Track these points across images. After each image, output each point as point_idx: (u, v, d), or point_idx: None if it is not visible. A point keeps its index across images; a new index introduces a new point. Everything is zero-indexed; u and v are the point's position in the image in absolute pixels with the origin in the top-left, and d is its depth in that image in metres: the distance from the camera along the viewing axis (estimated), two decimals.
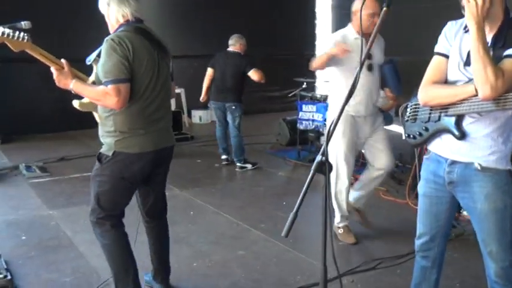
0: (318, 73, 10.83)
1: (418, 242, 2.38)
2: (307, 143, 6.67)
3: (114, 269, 2.83)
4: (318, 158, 1.77)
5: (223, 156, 6.45)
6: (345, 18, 4.14)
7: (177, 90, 8.19)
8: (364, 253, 3.76)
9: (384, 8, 1.82)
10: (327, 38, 3.97)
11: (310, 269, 3.45)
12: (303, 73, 6.77)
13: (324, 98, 6.22)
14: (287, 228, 1.71)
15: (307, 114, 6.31)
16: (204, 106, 8.28)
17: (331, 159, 3.63)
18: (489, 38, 2.01)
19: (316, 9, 11.23)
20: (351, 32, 3.82)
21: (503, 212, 2.07)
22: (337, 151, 3.81)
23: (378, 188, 5.26)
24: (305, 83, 6.72)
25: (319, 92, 7.87)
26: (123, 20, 2.64)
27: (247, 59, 6.13)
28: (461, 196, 2.17)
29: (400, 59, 6.16)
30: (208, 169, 6.36)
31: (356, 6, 3.78)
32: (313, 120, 6.28)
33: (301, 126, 6.47)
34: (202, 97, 6.42)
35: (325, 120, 6.17)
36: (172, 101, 4.81)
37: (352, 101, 3.44)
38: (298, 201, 1.74)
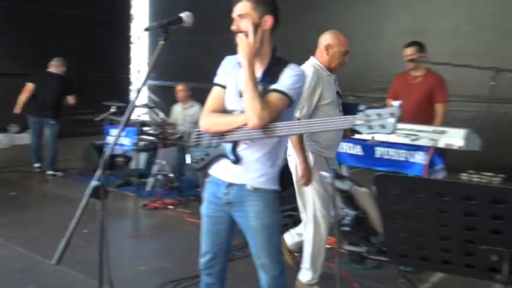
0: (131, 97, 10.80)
1: (202, 260, 2.50)
2: (116, 168, 6.53)
3: None
4: (93, 182, 1.77)
5: (36, 165, 7.07)
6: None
7: None
8: (163, 274, 3.80)
9: (161, 42, 1.93)
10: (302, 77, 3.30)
11: None
12: (118, 96, 6.79)
13: (137, 123, 6.23)
14: (58, 255, 1.67)
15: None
16: (4, 129, 7.89)
17: (308, 211, 3.42)
18: (260, 73, 2.26)
19: (131, 34, 11.22)
20: (320, 67, 3.41)
21: (271, 227, 2.31)
22: (314, 200, 3.38)
23: (182, 211, 5.45)
24: (115, 107, 6.60)
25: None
26: None
27: (70, 82, 7.05)
28: (237, 215, 2.36)
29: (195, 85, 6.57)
30: (2, 198, 5.81)
31: (330, 41, 3.41)
32: (121, 145, 6.19)
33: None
34: (17, 109, 6.85)
35: (134, 144, 6.15)
36: None
37: (326, 142, 3.34)
38: (71, 227, 1.72)
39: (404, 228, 1.18)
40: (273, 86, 2.18)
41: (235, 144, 2.27)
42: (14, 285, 3.58)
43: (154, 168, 6.10)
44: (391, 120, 1.74)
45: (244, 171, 2.28)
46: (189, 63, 9.61)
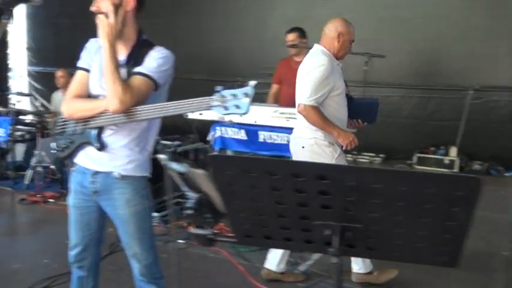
0: (11, 85, 10.01)
1: (72, 253, 2.38)
2: None
3: None
4: None
5: None
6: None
7: None
8: (39, 272, 3.59)
9: (4, 21, 1.78)
10: (320, 68, 3.17)
11: None
12: None
13: (11, 112, 5.78)
14: None
15: None
16: None
17: None
18: (124, 56, 2.17)
19: None
20: (329, 56, 3.27)
21: (142, 214, 2.25)
22: None
23: (64, 204, 5.16)
24: None
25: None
26: None
27: None
28: (105, 204, 2.27)
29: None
30: None
31: (342, 29, 3.27)
32: None
33: None
34: None
35: (8, 135, 5.71)
36: None
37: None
38: None
39: (244, 208, 1.20)
40: (137, 69, 2.11)
41: (100, 130, 2.17)
42: None
43: (33, 160, 5.73)
44: (246, 100, 1.75)
45: (110, 159, 2.19)
46: (72, 48, 9.08)
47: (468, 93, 6.88)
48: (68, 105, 2.21)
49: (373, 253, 1.35)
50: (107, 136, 2.18)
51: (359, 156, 7.70)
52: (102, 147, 2.17)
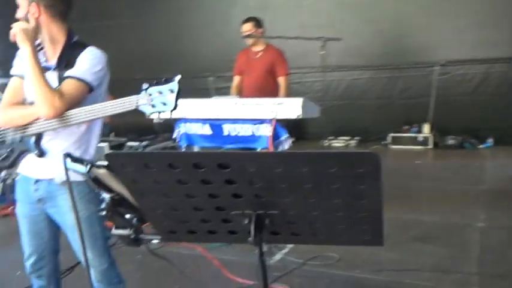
0: None
1: (28, 264, 2.34)
2: None
3: None
4: None
5: None
6: None
7: None
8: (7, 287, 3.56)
9: None
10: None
11: None
12: None
13: None
14: None
15: None
16: None
17: None
18: (55, 60, 2.13)
19: None
20: None
21: (90, 220, 2.19)
22: None
23: None
24: None
25: None
26: None
27: None
28: (51, 212, 2.23)
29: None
30: None
31: None
32: None
33: None
34: None
35: None
36: None
37: None
38: None
39: (157, 204, 1.17)
40: (68, 72, 2.07)
41: (38, 136, 2.13)
42: None
43: (3, 173, 5.62)
44: (171, 96, 1.72)
45: (51, 165, 2.14)
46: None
47: (434, 69, 6.93)
48: (3, 113, 2.17)
49: (299, 238, 1.33)
50: (46, 142, 2.14)
51: (334, 141, 7.74)
52: (41, 153, 2.13)
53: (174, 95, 1.73)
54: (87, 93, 2.09)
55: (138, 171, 1.05)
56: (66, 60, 2.11)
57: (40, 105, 1.99)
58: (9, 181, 5.68)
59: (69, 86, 2.04)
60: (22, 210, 2.29)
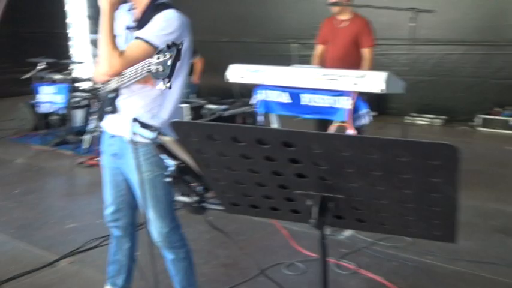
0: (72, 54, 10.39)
1: (106, 213, 2.45)
2: (52, 127, 6.38)
3: None
4: None
5: None
6: None
7: None
8: (91, 232, 3.77)
9: None
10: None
11: (27, 257, 3.34)
12: (53, 52, 6.48)
13: (68, 79, 6.04)
14: None
15: (47, 96, 6.01)
16: None
17: None
18: (134, 19, 2.19)
19: None
20: None
21: (153, 182, 2.21)
22: None
23: None
24: (45, 63, 6.34)
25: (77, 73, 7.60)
26: None
27: None
28: (123, 167, 2.31)
29: None
30: None
31: None
32: (53, 103, 6.01)
33: (41, 110, 6.15)
34: None
35: (68, 101, 5.98)
36: None
37: None
38: None
39: (221, 176, 1.15)
40: (136, 33, 2.11)
41: (116, 94, 2.20)
42: None
43: (91, 125, 5.96)
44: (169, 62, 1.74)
45: (122, 123, 2.19)
46: None
47: None
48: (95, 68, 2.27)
49: (364, 225, 1.27)
50: (121, 100, 2.20)
51: (418, 118, 7.39)
52: (113, 110, 2.20)
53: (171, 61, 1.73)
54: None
55: (202, 142, 1.04)
56: (146, 21, 2.13)
57: (102, 62, 2.07)
58: (96, 133, 6.07)
59: (133, 47, 2.08)
60: (105, 161, 2.40)
